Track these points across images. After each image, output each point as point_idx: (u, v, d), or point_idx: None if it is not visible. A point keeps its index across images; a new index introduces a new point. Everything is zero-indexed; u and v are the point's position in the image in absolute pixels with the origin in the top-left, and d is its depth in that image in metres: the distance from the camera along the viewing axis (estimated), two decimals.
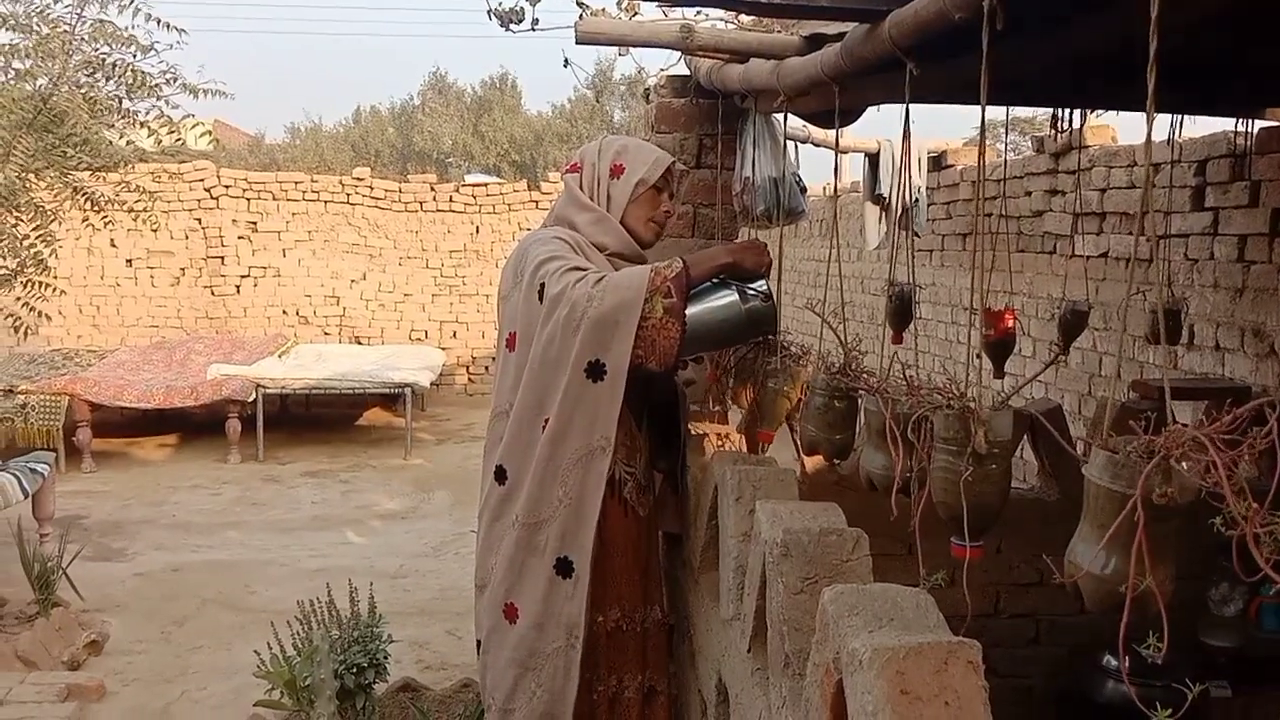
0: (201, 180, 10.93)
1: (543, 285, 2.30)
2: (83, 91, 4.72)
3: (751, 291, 2.34)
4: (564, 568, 2.33)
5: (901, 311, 3.52)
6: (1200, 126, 4.02)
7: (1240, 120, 3.71)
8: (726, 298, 2.33)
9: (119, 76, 4.83)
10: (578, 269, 2.28)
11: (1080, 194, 4.88)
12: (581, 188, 2.55)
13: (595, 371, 2.22)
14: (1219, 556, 2.97)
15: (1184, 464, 1.06)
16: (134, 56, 4.89)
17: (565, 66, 3.54)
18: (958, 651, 1.12)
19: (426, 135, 23.59)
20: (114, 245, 10.71)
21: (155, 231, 9.49)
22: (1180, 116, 3.57)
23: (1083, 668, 3.17)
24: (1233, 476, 0.97)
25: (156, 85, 4.78)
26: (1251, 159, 3.84)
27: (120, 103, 4.92)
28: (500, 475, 2.42)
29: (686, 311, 2.23)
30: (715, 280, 2.34)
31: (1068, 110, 3.66)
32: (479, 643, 2.53)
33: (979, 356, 2.78)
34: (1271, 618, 2.92)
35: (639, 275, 2.23)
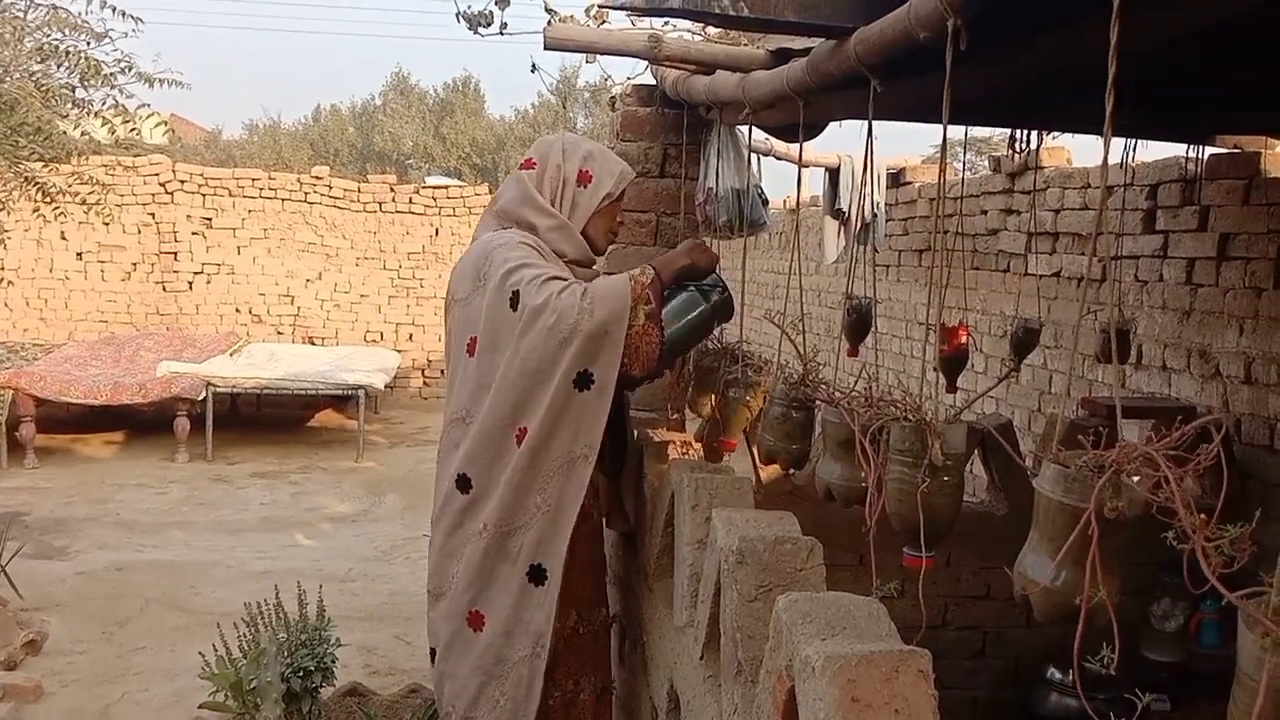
0: (156, 174, 10.76)
1: (516, 293, 2.26)
2: (34, 79, 4.63)
3: (708, 286, 2.43)
4: (537, 575, 2.31)
5: (859, 325, 3.56)
6: (1153, 151, 4.11)
7: (1191, 146, 3.80)
8: (690, 297, 2.41)
9: (72, 64, 4.74)
10: (557, 278, 2.27)
11: (1035, 214, 4.97)
12: (541, 189, 2.49)
13: (583, 381, 2.23)
14: (1161, 573, 3.04)
15: (1134, 479, 1.09)
16: (87, 44, 4.80)
17: (533, 71, 3.53)
18: (908, 660, 1.14)
19: (387, 136, 23.42)
20: (64, 238, 10.51)
21: (108, 225, 9.33)
22: (1134, 141, 3.66)
23: (1027, 680, 3.23)
24: (1181, 492, 0.99)
25: (111, 74, 4.69)
26: (1201, 184, 3.93)
27: (74, 91, 4.83)
28: (463, 483, 2.37)
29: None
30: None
31: (1025, 131, 3.72)
32: (434, 651, 2.49)
33: (936, 370, 2.82)
34: (1211, 633, 2.98)
35: (622, 285, 2.25)
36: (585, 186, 2.49)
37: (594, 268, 2.60)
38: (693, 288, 2.41)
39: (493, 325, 2.31)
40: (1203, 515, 0.96)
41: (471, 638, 2.37)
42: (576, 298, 2.21)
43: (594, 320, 2.20)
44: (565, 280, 2.27)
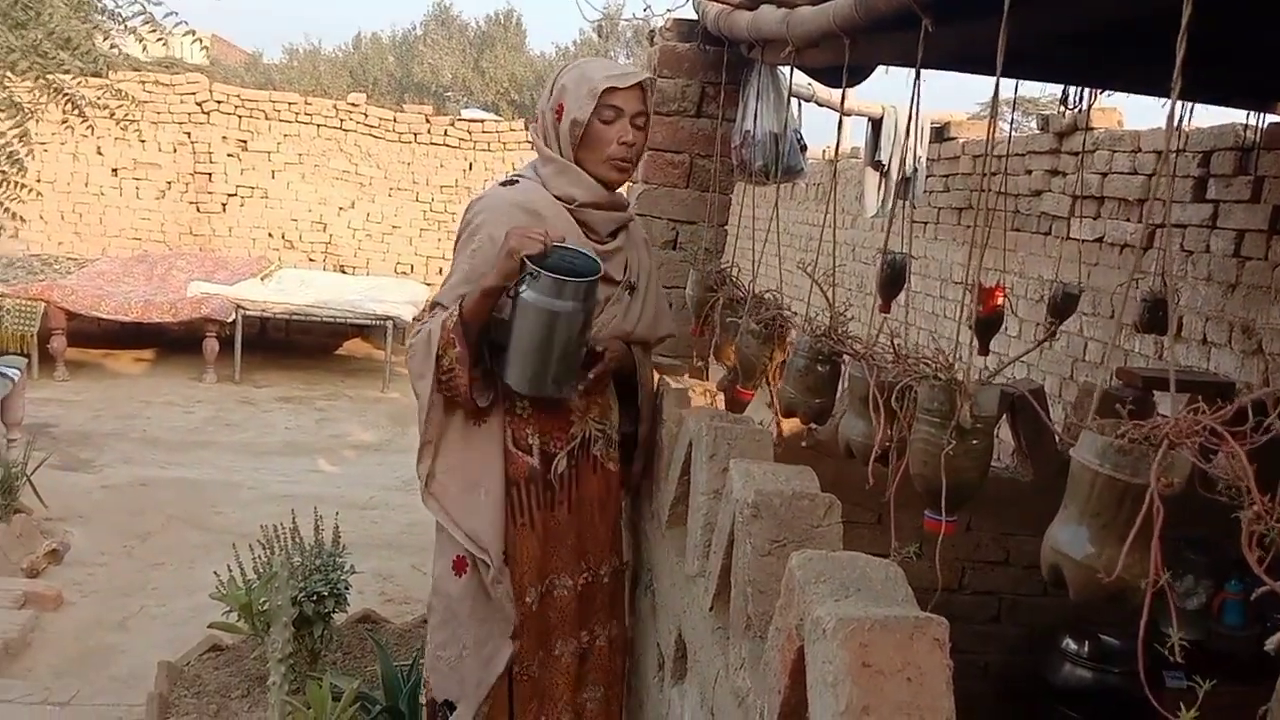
0: (193, 93, 10.71)
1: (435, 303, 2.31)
2: None
3: (570, 275, 2.08)
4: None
5: (892, 281, 3.48)
6: (1208, 117, 3.97)
7: (1251, 113, 3.66)
8: (530, 306, 2.09)
9: None
10: (438, 305, 2.27)
11: (1081, 176, 4.83)
12: (543, 135, 2.35)
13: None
14: (1185, 549, 2.98)
15: (1185, 453, 1.03)
16: None
17: None
18: (924, 627, 1.09)
19: (426, 67, 23.20)
20: (100, 153, 10.52)
21: (143, 141, 9.31)
22: (1190, 105, 3.52)
23: (1041, 649, 3.19)
24: (1242, 468, 0.93)
25: None
26: (1258, 154, 3.79)
27: None
28: None
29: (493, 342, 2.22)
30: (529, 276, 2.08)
31: (1078, 89, 3.59)
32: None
33: (972, 328, 2.75)
34: (1234, 613, 2.93)
35: (432, 335, 2.21)
36: (560, 121, 2.28)
37: (623, 207, 2.45)
38: (537, 285, 2.05)
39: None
40: (1267, 495, 0.90)
41: (452, 579, 2.37)
42: (419, 342, 2.25)
43: (411, 370, 2.31)
44: (448, 309, 2.21)
